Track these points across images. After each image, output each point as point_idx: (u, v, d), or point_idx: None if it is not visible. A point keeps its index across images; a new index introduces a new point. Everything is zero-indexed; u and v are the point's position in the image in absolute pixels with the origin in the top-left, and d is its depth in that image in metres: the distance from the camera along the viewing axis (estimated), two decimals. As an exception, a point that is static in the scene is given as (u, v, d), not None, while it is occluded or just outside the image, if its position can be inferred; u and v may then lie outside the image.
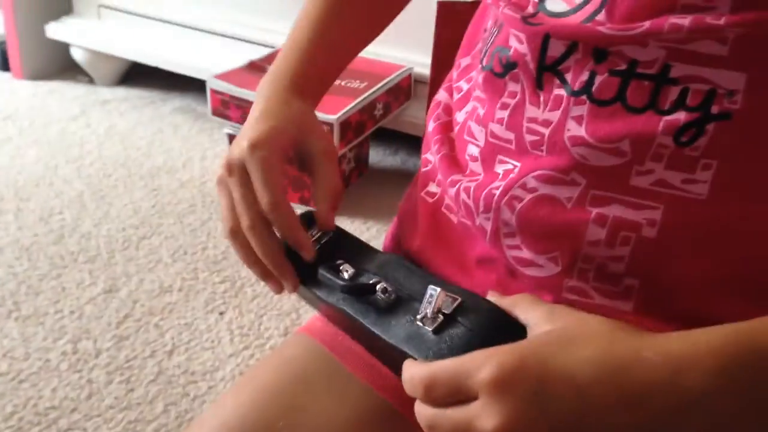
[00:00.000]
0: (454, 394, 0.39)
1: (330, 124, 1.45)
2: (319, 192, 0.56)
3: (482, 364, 0.37)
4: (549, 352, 0.38)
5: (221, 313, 1.28)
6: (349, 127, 1.51)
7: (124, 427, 1.05)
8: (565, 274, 0.47)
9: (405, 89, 1.66)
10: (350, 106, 1.49)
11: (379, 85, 1.57)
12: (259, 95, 0.59)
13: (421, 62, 1.62)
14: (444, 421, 0.39)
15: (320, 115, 1.45)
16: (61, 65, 2.16)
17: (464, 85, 0.57)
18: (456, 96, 0.57)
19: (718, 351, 0.37)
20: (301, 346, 0.60)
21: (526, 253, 0.48)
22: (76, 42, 2.05)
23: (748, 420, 0.36)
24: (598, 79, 0.44)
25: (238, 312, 1.29)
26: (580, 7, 0.45)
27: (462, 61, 0.59)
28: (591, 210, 0.45)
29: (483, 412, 0.37)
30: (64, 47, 2.09)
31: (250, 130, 0.55)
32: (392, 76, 1.61)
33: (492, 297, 0.46)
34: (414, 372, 0.41)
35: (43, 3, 2.09)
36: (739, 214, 0.43)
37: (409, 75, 1.66)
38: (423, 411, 0.40)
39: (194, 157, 1.78)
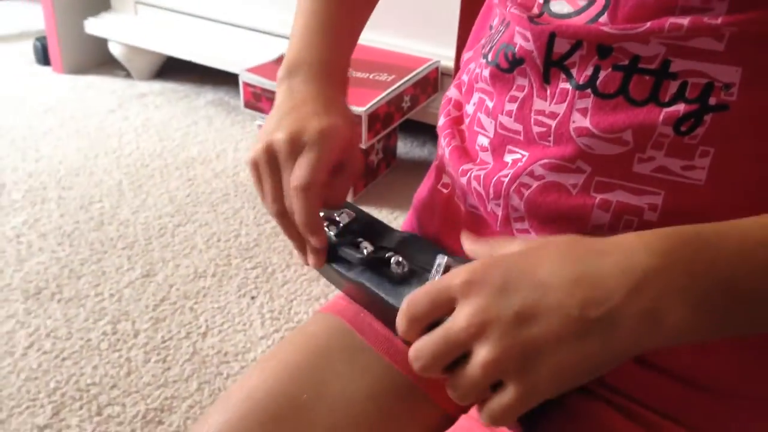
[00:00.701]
0: (431, 307, 0.42)
1: (359, 116, 1.49)
2: (343, 181, 0.58)
3: (455, 274, 0.42)
4: (514, 257, 0.42)
5: (253, 298, 1.33)
6: (377, 119, 1.54)
7: (160, 403, 1.11)
8: None
9: (432, 82, 1.70)
10: (378, 98, 1.53)
11: (407, 77, 1.61)
12: (297, 80, 0.61)
13: (447, 55, 1.65)
14: (425, 341, 0.42)
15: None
16: (99, 60, 2.23)
17: (465, 78, 0.59)
18: (462, 89, 0.60)
19: (664, 236, 0.40)
20: (324, 324, 0.62)
21: (534, 237, 0.51)
22: (113, 37, 2.11)
23: (695, 295, 0.38)
24: (602, 74, 0.47)
25: (269, 296, 1.33)
26: (583, 9, 0.48)
27: (464, 55, 0.61)
28: (596, 196, 0.48)
29: (455, 315, 0.41)
30: (102, 42, 2.16)
31: (314, 117, 0.57)
32: (419, 69, 1.64)
33: (466, 240, 0.49)
34: (401, 307, 0.44)
35: (82, 0, 2.16)
36: (736, 199, 0.45)
37: (436, 68, 1.69)
38: (411, 349, 0.43)
39: (227, 148, 1.84)
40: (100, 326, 1.25)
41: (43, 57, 2.23)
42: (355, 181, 0.60)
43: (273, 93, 1.58)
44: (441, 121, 0.61)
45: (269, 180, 0.57)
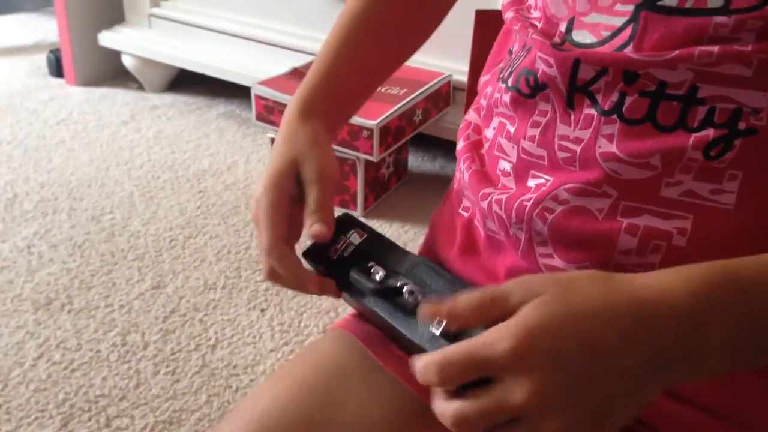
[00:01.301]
0: (470, 371, 0.40)
1: (370, 129, 1.49)
2: (308, 216, 0.57)
3: (496, 338, 0.39)
4: (551, 313, 0.39)
5: (263, 311, 1.33)
6: (388, 132, 1.54)
7: (169, 416, 1.10)
8: None
9: (444, 96, 1.70)
10: (390, 111, 1.53)
11: (419, 91, 1.61)
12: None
13: (460, 70, 1.65)
14: (472, 409, 0.40)
15: (361, 120, 1.49)
16: (112, 72, 2.24)
17: (483, 102, 0.58)
18: (481, 113, 0.59)
19: (706, 279, 0.40)
20: (337, 342, 0.61)
21: (557, 262, 0.50)
22: (127, 50, 2.13)
23: (733, 337, 0.39)
24: (628, 100, 0.46)
25: (279, 309, 1.33)
26: (607, 40, 0.47)
27: (481, 78, 0.61)
28: (622, 220, 0.47)
29: (510, 387, 0.38)
30: (116, 55, 2.17)
31: (269, 162, 0.59)
32: (432, 83, 1.64)
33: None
34: (427, 358, 0.41)
35: (96, 12, 2.18)
36: (766, 222, 0.44)
37: (448, 82, 1.69)
38: (444, 406, 0.41)
39: (238, 161, 1.84)
40: (109, 338, 1.25)
41: (57, 69, 2.24)
42: (326, 216, 0.59)
43: (284, 106, 1.58)
44: (460, 145, 0.60)
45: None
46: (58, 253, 1.46)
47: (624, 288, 0.40)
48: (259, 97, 1.62)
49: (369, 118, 1.49)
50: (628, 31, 0.46)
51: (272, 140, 1.66)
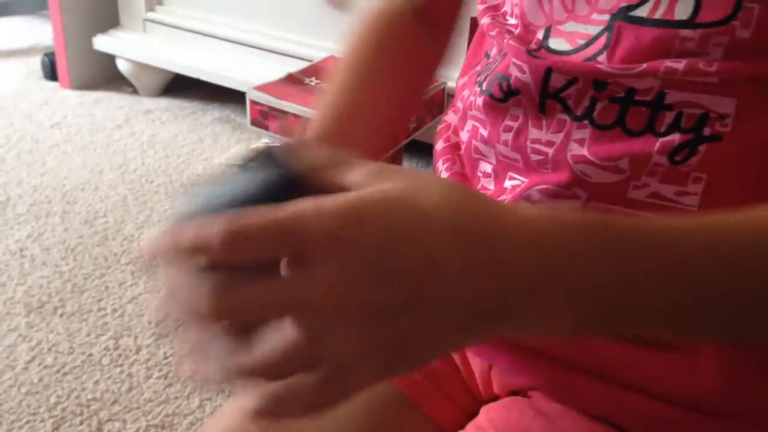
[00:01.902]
0: (267, 247, 0.30)
1: (364, 135, 1.50)
2: None
3: (314, 209, 0.30)
4: (395, 200, 0.31)
5: (256, 315, 1.33)
6: (382, 138, 1.55)
7: (161, 420, 1.10)
8: None
9: (438, 103, 1.70)
10: (384, 118, 1.53)
11: (413, 98, 1.61)
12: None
13: (453, 77, 1.65)
14: (252, 291, 0.31)
15: (355, 126, 1.49)
16: (106, 76, 2.24)
17: (460, 104, 0.59)
18: (456, 116, 0.60)
19: (580, 224, 0.34)
20: None
21: None
22: (121, 54, 2.13)
23: (607, 292, 0.34)
24: (599, 106, 0.47)
25: (272, 314, 1.33)
26: (581, 48, 0.48)
27: (459, 81, 0.62)
28: None
29: (308, 274, 0.30)
30: (110, 59, 2.17)
31: None
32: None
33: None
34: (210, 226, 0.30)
35: (91, 16, 2.18)
36: None
37: (443, 89, 1.70)
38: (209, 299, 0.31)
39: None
40: (102, 341, 1.25)
41: (51, 72, 2.24)
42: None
43: (279, 111, 1.59)
44: (439, 146, 0.61)
45: None
46: (50, 256, 1.46)
47: (489, 211, 0.33)
48: (254, 102, 1.62)
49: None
50: (602, 40, 0.47)
51: (266, 145, 1.66)
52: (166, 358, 1.22)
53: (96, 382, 1.16)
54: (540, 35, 0.51)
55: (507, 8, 0.55)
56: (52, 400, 1.12)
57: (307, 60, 1.83)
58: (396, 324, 0.31)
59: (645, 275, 0.35)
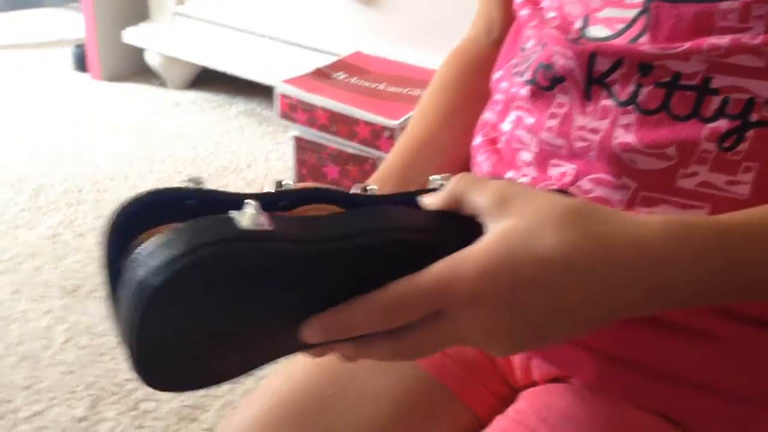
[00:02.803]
0: (422, 312, 0.38)
1: (391, 129, 1.53)
2: None
3: (455, 280, 0.37)
4: (515, 250, 0.37)
5: (284, 303, 1.36)
6: (409, 132, 1.57)
7: (194, 401, 1.13)
8: None
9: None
10: (411, 113, 1.56)
11: (439, 94, 1.64)
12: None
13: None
14: (418, 342, 0.39)
15: (382, 120, 1.52)
16: (135, 68, 2.28)
17: (500, 98, 0.60)
18: (497, 108, 0.60)
19: (699, 246, 0.39)
20: None
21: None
22: (151, 47, 2.17)
23: (716, 297, 0.41)
24: (644, 91, 0.48)
25: (300, 302, 1.36)
26: (621, 32, 0.49)
27: (494, 75, 0.62)
28: (640, 210, 0.48)
29: (462, 322, 0.38)
30: (139, 51, 2.21)
31: None
32: (451, 86, 1.67)
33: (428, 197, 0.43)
34: (373, 303, 0.38)
35: (122, 10, 2.22)
36: None
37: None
38: (380, 344, 0.40)
39: (259, 158, 1.88)
40: (135, 324, 1.28)
41: (82, 64, 2.28)
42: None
43: (307, 104, 1.61)
44: (477, 141, 0.62)
45: None
46: (84, 241, 1.50)
47: (601, 238, 0.39)
48: (283, 96, 1.65)
49: (390, 117, 1.52)
50: (641, 23, 0.48)
51: (295, 139, 1.69)
52: (197, 341, 1.25)
53: (130, 363, 1.19)
54: (579, 24, 0.52)
55: (545, 3, 0.57)
56: (89, 379, 1.16)
57: (333, 54, 1.85)
58: (536, 334, 0.39)
59: (757, 285, 0.40)
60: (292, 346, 0.40)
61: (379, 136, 1.55)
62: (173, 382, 0.40)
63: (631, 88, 0.48)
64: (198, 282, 0.33)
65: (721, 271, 0.39)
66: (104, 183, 1.72)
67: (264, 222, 0.33)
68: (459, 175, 0.42)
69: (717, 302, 0.44)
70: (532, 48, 0.56)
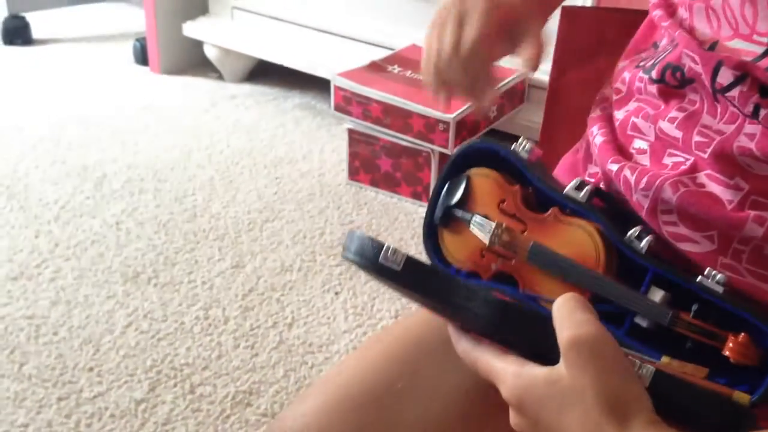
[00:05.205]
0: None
1: (446, 123, 1.53)
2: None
3: (511, 387, 0.44)
4: (548, 406, 0.42)
5: (337, 293, 1.38)
6: (464, 126, 1.57)
7: (249, 387, 1.16)
8: (720, 252, 0.52)
9: (519, 93, 1.72)
10: (466, 106, 1.56)
11: (495, 87, 1.63)
12: None
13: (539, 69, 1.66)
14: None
15: (437, 113, 1.52)
16: (193, 61, 2.32)
17: (621, 87, 0.61)
18: (616, 96, 0.61)
19: None
20: (421, 317, 0.64)
21: (682, 229, 0.53)
22: (209, 40, 2.21)
23: None
24: (762, 112, 0.49)
25: (353, 293, 1.37)
26: (761, 57, 0.50)
27: (620, 63, 0.64)
28: (750, 212, 0.50)
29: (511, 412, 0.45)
30: (198, 45, 2.25)
31: None
32: (507, 80, 1.66)
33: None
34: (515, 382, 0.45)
35: (181, 4, 2.26)
36: None
37: (524, 79, 1.71)
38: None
39: (313, 150, 1.90)
40: (193, 311, 1.31)
41: (142, 57, 2.34)
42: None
43: (362, 97, 1.63)
44: (595, 113, 0.63)
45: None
46: (144, 230, 1.54)
47: (615, 414, 0.40)
48: (338, 88, 1.66)
49: (445, 111, 1.52)
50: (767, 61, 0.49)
51: (349, 131, 1.71)
52: (252, 329, 1.27)
53: (188, 349, 1.22)
54: (705, 47, 0.53)
55: (681, 13, 0.57)
56: (148, 363, 1.19)
57: (388, 48, 1.86)
58: None
59: None
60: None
61: (434, 129, 1.55)
62: None
63: (749, 108, 0.50)
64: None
65: None
66: (164, 173, 1.77)
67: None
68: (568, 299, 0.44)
69: None
70: (664, 47, 0.58)
